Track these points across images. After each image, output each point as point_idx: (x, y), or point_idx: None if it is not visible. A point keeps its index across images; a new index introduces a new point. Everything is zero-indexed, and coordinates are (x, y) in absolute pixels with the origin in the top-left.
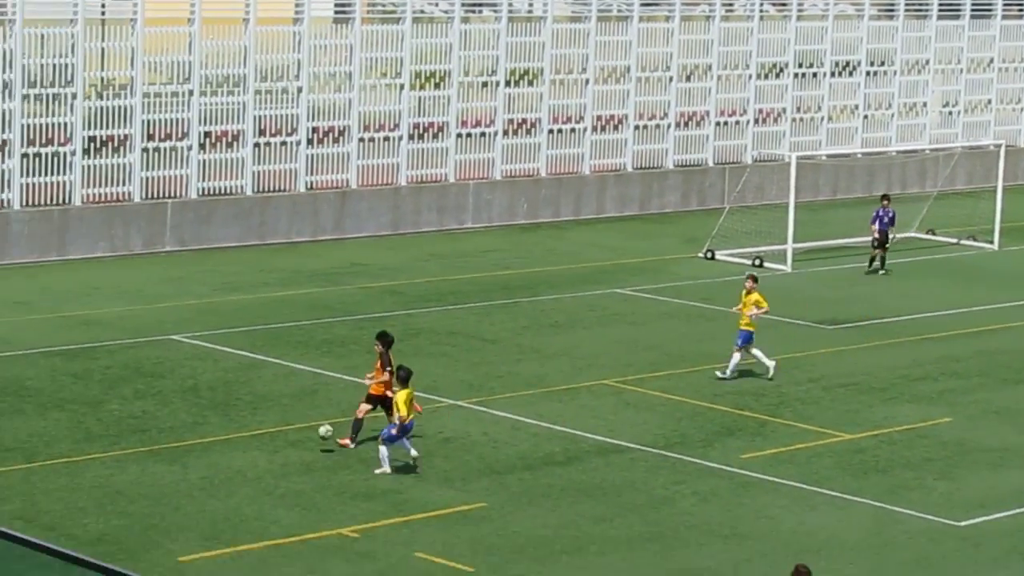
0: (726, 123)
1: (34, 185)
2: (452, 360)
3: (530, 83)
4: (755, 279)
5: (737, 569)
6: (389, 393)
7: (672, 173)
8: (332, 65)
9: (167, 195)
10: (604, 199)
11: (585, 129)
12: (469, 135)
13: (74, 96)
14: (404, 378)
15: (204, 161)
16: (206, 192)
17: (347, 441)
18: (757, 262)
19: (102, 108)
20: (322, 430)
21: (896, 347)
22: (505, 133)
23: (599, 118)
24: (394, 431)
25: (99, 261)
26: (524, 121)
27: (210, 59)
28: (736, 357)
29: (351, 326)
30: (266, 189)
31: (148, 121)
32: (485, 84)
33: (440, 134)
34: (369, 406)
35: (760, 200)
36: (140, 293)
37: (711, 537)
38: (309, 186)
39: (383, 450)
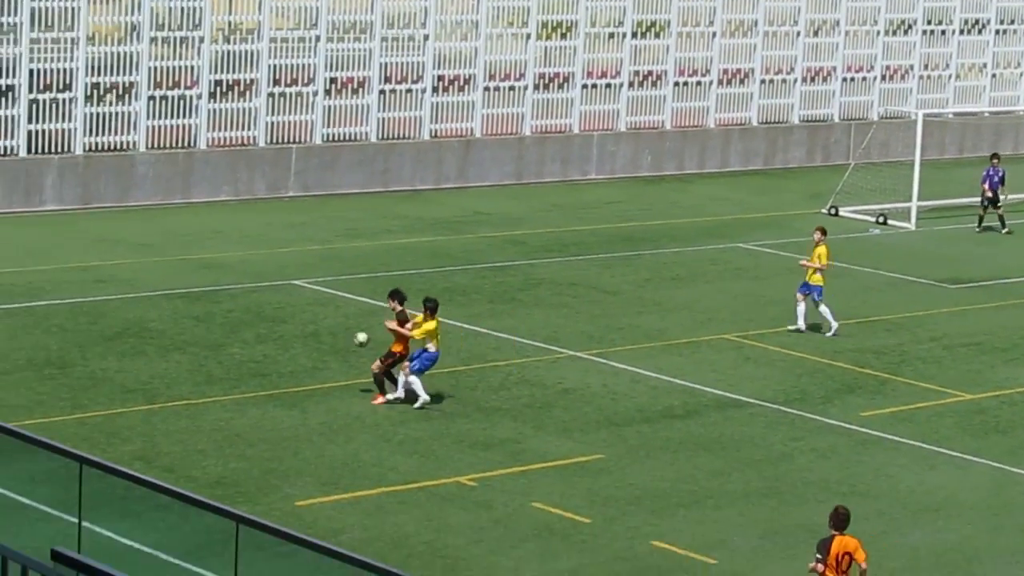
0: (853, 79)
1: (160, 128)
2: (572, 311)
3: (657, 35)
4: (824, 231)
5: (855, 526)
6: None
7: (797, 128)
8: (459, 13)
9: (292, 140)
10: (728, 153)
11: (711, 82)
12: (594, 86)
13: (201, 40)
14: (433, 308)
15: (329, 107)
16: (330, 138)
17: (380, 399)
18: (881, 219)
19: (229, 52)
20: (361, 336)
21: (1020, 308)
22: (631, 85)
23: (725, 72)
24: (427, 364)
25: (223, 205)
26: (650, 73)
27: (337, 5)
28: (802, 308)
29: (472, 275)
30: (390, 136)
31: (274, 66)
32: (612, 35)
33: (565, 84)
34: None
35: (885, 157)
36: (263, 238)
37: (828, 494)
38: (433, 134)
39: (416, 381)
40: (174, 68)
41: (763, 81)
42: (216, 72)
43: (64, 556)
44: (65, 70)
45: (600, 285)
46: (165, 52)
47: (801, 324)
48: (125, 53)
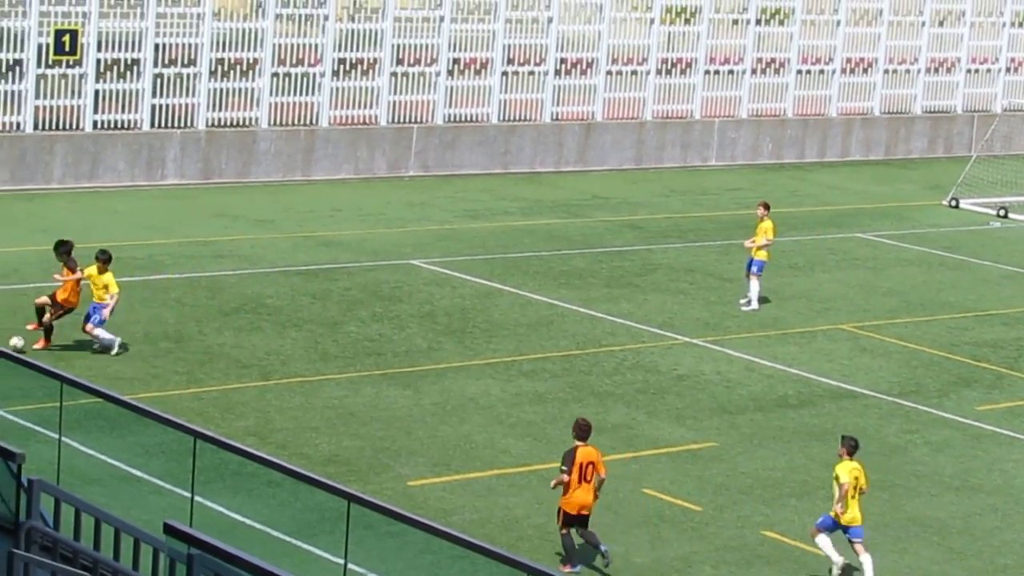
0: (977, 71)
1: (282, 104)
2: (689, 297)
3: (781, 22)
4: (767, 206)
5: (968, 521)
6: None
7: (920, 119)
8: None
9: (413, 120)
10: (849, 142)
11: (834, 71)
12: (717, 72)
13: (326, 18)
14: (106, 260)
15: (451, 87)
16: (452, 119)
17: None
18: (1002, 212)
19: (353, 31)
20: (15, 341)
21: None
22: (753, 72)
23: (848, 60)
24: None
25: (343, 183)
26: (773, 60)
27: None
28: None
29: (589, 259)
30: (511, 118)
31: (397, 45)
32: (735, 21)
33: (688, 70)
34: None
35: (1008, 150)
36: (381, 216)
37: (942, 488)
38: (555, 116)
39: (101, 332)
40: (298, 45)
41: (886, 71)
42: (340, 50)
43: (176, 529)
44: (190, 45)
45: (717, 272)
46: (289, 29)
47: (755, 304)
48: (250, 29)
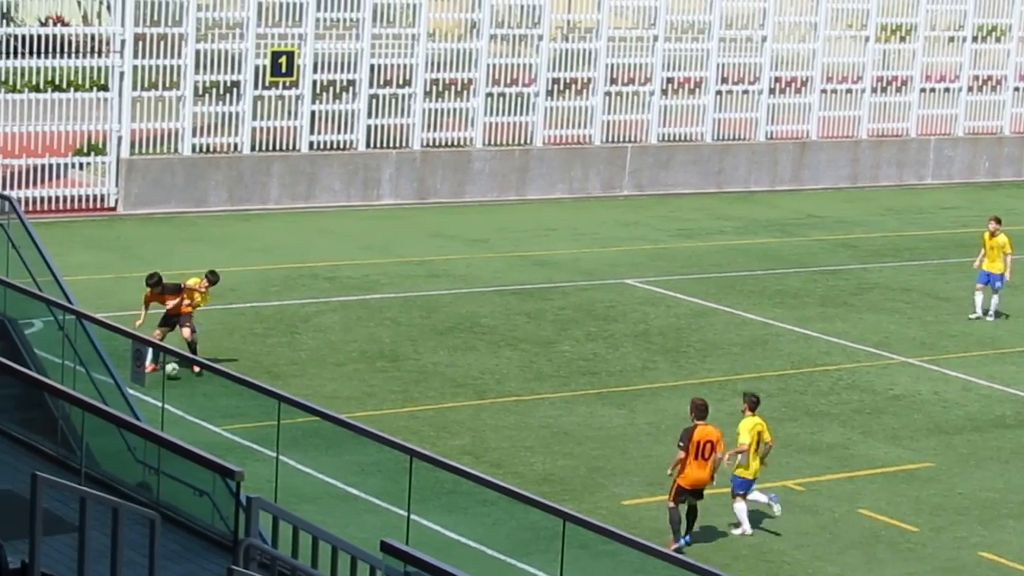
0: None
1: (496, 124)
2: (905, 317)
3: (997, 39)
4: (998, 220)
5: None
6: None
7: None
8: (798, 14)
9: (627, 139)
10: None
11: None
12: (932, 90)
13: (540, 38)
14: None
15: (665, 107)
16: (666, 138)
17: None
18: None
19: (566, 51)
20: (170, 368)
21: None
22: (969, 89)
23: None
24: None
25: (557, 202)
26: (989, 78)
27: (676, 4)
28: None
29: (804, 278)
30: (726, 137)
31: (611, 65)
32: (951, 39)
33: (903, 88)
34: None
35: None
36: (595, 236)
37: None
38: (769, 135)
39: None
40: (512, 65)
41: None
42: (553, 70)
43: (393, 547)
44: (405, 66)
45: (934, 291)
46: (504, 49)
47: (980, 312)
48: (464, 50)
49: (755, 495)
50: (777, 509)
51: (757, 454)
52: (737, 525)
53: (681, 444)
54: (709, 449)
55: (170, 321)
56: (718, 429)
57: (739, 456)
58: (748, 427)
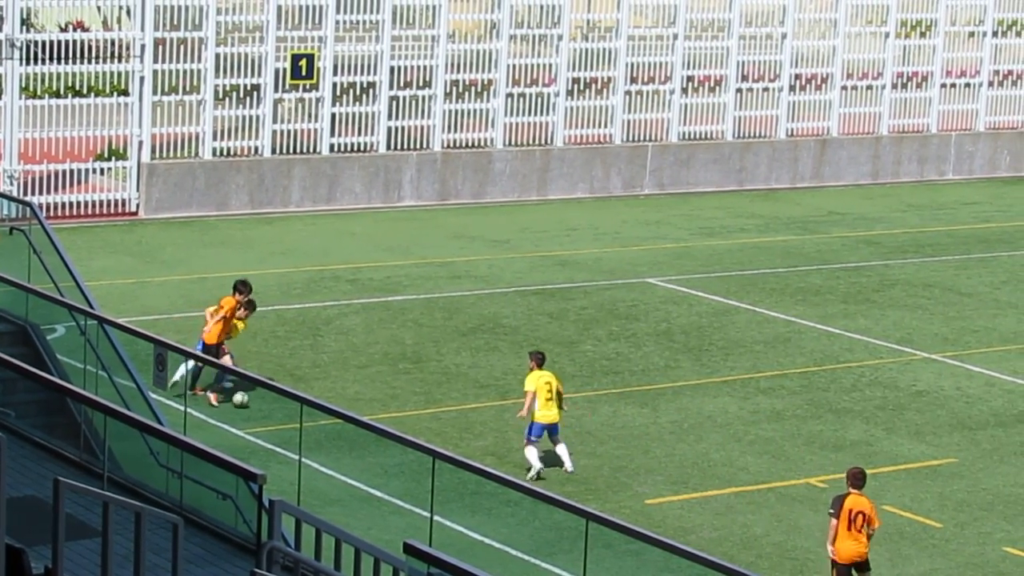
0: None
1: (517, 125)
2: (927, 313)
3: (1018, 34)
4: None
5: None
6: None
7: None
8: (818, 11)
9: (648, 138)
10: None
11: None
12: (954, 85)
13: (560, 37)
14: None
15: (685, 105)
16: (686, 136)
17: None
18: None
19: (587, 50)
20: (238, 397)
21: None
22: (990, 84)
23: None
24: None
25: (578, 202)
26: (1010, 72)
27: (696, 2)
28: None
29: (826, 275)
30: (746, 135)
31: (631, 64)
32: (971, 34)
33: (924, 84)
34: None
35: None
36: (617, 235)
37: None
38: (789, 133)
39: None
40: (532, 65)
41: None
42: (574, 70)
43: (416, 549)
44: (425, 67)
45: (956, 287)
46: (524, 50)
47: None
48: (484, 51)
49: (533, 457)
50: (569, 466)
51: (551, 403)
52: (528, 469)
53: (832, 511)
54: (861, 520)
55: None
56: (870, 501)
57: (525, 410)
58: (533, 379)
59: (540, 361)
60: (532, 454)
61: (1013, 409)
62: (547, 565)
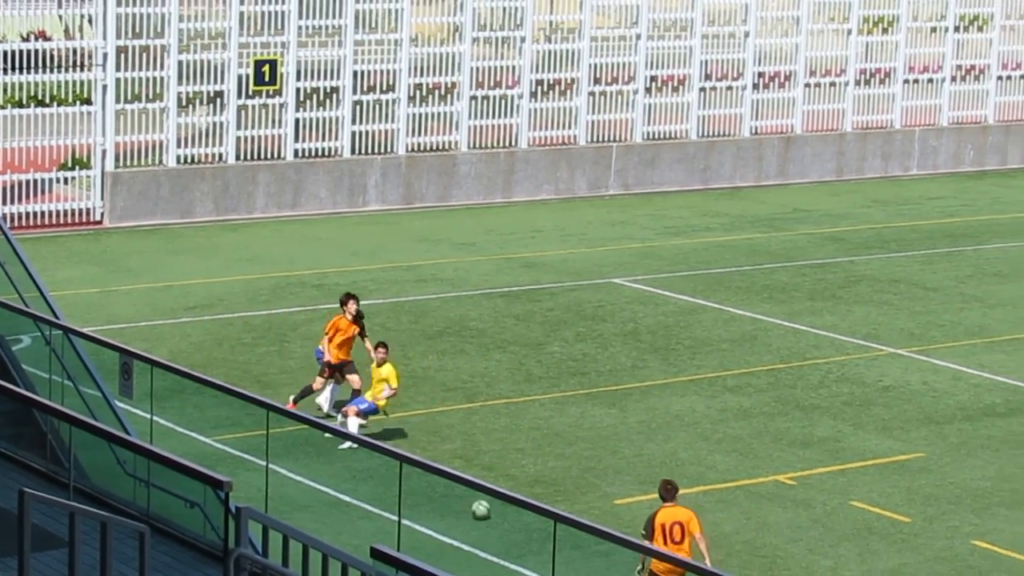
0: None
1: (481, 127)
2: (893, 308)
3: (980, 28)
4: None
5: None
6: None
7: None
8: (780, 9)
9: (612, 139)
10: None
11: None
12: (916, 81)
13: (523, 39)
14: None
15: (649, 105)
16: (651, 136)
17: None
18: None
19: (550, 52)
20: (480, 510)
21: None
22: (953, 79)
23: None
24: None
25: (543, 203)
26: (973, 67)
27: (658, 2)
28: None
29: (792, 272)
30: (711, 134)
31: (595, 65)
32: (934, 29)
33: (887, 80)
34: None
35: None
36: (583, 236)
37: None
38: (754, 131)
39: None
40: (496, 68)
41: None
42: (537, 71)
43: (383, 554)
44: (389, 71)
45: (921, 282)
46: (487, 52)
47: None
48: (448, 54)
49: (354, 427)
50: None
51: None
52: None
53: (643, 533)
54: (679, 532)
55: (335, 367)
56: (689, 510)
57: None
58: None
59: (387, 350)
60: (354, 424)
61: (980, 403)
62: (517, 567)
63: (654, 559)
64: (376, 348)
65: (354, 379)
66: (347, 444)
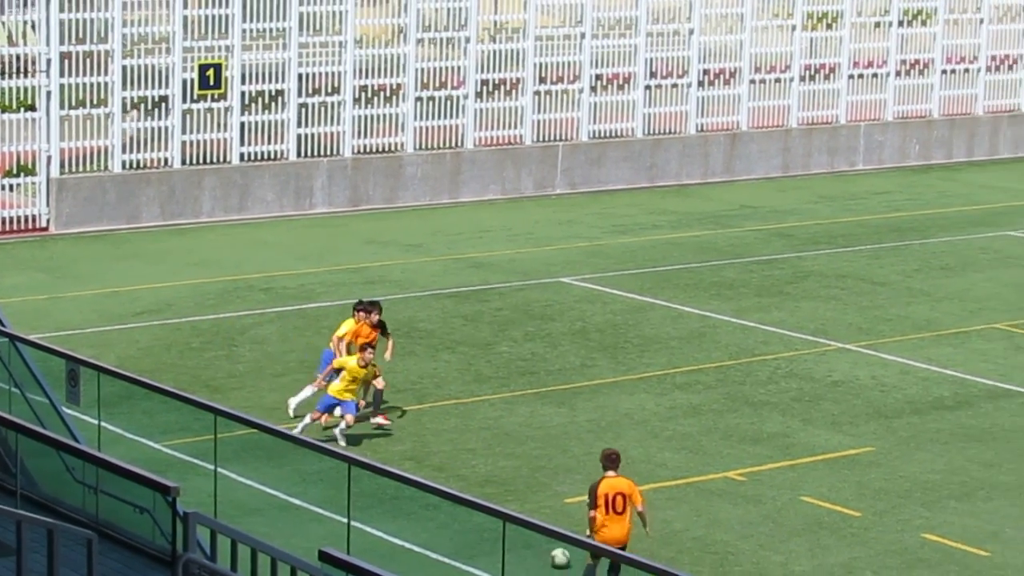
0: None
1: (427, 128)
2: (841, 303)
3: (923, 23)
4: None
5: None
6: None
7: None
8: (724, 6)
9: (558, 138)
10: (998, 140)
11: (979, 70)
12: (861, 76)
13: (468, 40)
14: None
15: (595, 104)
16: (597, 135)
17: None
18: None
19: (495, 52)
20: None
21: None
22: (898, 74)
23: (993, 58)
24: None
25: (490, 204)
26: (917, 61)
27: (602, 1)
28: None
29: (740, 269)
30: (656, 131)
31: (540, 64)
32: (878, 24)
33: (832, 75)
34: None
35: None
36: (530, 236)
37: None
38: (700, 128)
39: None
40: (441, 69)
41: None
42: (482, 72)
43: (332, 557)
44: (333, 73)
45: (869, 276)
46: (432, 53)
47: None
48: (392, 55)
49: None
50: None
51: (356, 384)
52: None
53: (588, 502)
54: (621, 502)
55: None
56: (630, 480)
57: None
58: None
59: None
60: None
61: (928, 396)
62: (468, 568)
63: (599, 531)
64: (363, 350)
65: (378, 381)
66: (377, 420)
